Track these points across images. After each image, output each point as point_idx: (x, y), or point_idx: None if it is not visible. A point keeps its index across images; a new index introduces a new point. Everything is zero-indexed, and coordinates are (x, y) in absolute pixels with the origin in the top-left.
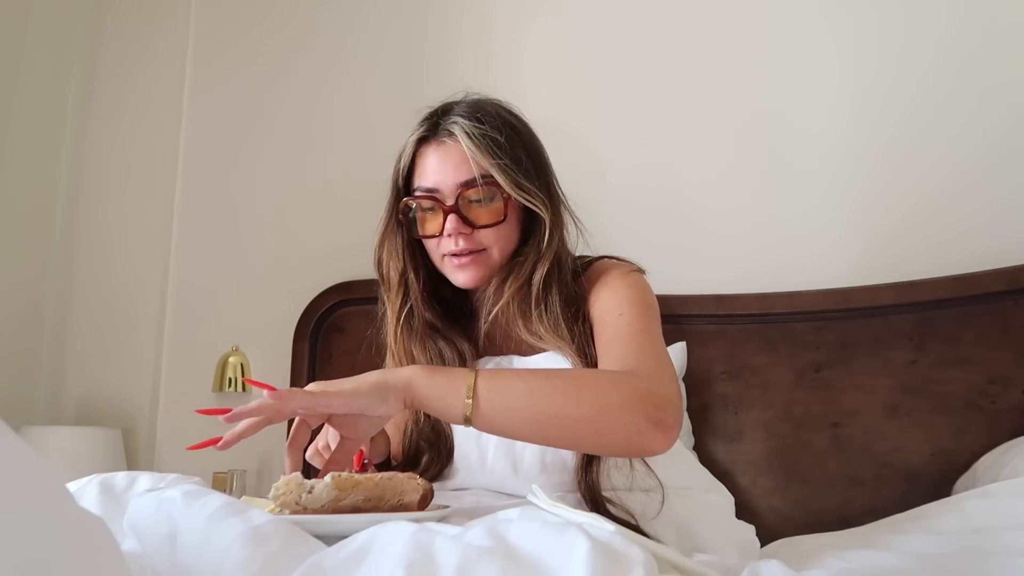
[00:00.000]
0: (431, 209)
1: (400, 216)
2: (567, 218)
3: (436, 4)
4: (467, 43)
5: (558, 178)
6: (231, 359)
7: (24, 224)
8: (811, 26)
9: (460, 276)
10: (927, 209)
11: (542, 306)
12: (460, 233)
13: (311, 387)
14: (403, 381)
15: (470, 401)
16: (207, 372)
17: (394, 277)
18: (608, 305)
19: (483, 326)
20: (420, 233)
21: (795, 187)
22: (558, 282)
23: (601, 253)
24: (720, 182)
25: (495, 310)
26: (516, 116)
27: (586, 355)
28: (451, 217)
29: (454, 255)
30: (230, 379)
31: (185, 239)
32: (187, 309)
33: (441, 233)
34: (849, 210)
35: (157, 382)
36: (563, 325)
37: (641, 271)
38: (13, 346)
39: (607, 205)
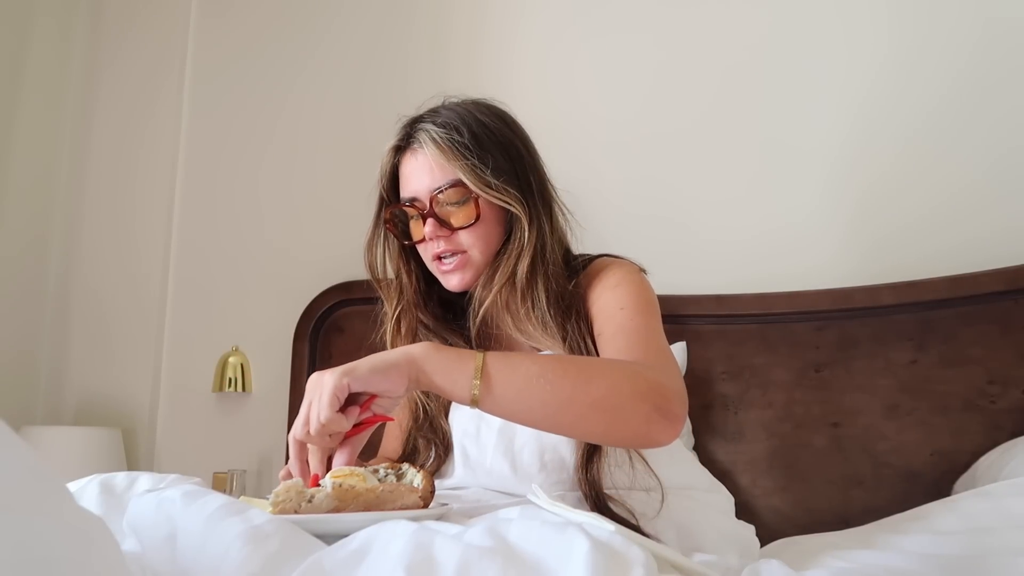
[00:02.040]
0: (414, 217)
1: (386, 222)
2: (557, 212)
3: (431, 5)
4: (460, 43)
5: (548, 172)
6: (231, 359)
7: (24, 223)
8: (820, 23)
9: (448, 281)
10: (928, 212)
11: (529, 302)
12: (439, 236)
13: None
14: (408, 357)
15: (478, 381)
16: (207, 372)
17: (385, 280)
18: (609, 301)
19: (473, 325)
20: (408, 240)
21: (795, 187)
22: (543, 277)
23: (601, 252)
24: (720, 182)
25: (483, 308)
26: (491, 114)
27: (580, 354)
28: (429, 221)
29: (440, 259)
30: (230, 379)
31: (185, 239)
32: (187, 309)
33: (424, 238)
34: (850, 210)
35: (157, 382)
36: (551, 322)
37: (641, 270)
38: (13, 346)
39: (606, 208)
